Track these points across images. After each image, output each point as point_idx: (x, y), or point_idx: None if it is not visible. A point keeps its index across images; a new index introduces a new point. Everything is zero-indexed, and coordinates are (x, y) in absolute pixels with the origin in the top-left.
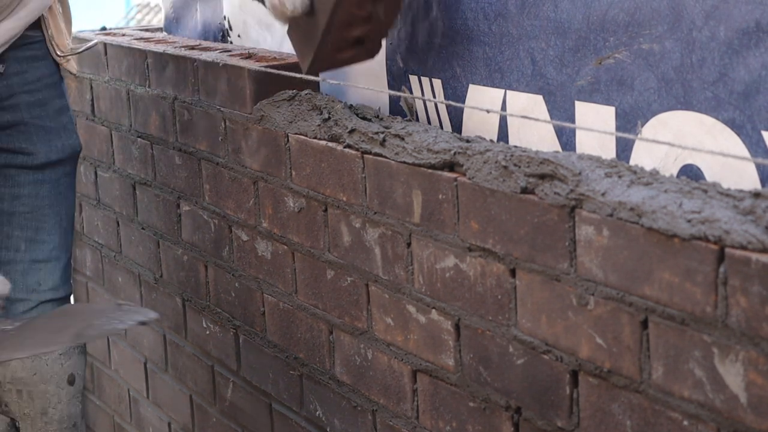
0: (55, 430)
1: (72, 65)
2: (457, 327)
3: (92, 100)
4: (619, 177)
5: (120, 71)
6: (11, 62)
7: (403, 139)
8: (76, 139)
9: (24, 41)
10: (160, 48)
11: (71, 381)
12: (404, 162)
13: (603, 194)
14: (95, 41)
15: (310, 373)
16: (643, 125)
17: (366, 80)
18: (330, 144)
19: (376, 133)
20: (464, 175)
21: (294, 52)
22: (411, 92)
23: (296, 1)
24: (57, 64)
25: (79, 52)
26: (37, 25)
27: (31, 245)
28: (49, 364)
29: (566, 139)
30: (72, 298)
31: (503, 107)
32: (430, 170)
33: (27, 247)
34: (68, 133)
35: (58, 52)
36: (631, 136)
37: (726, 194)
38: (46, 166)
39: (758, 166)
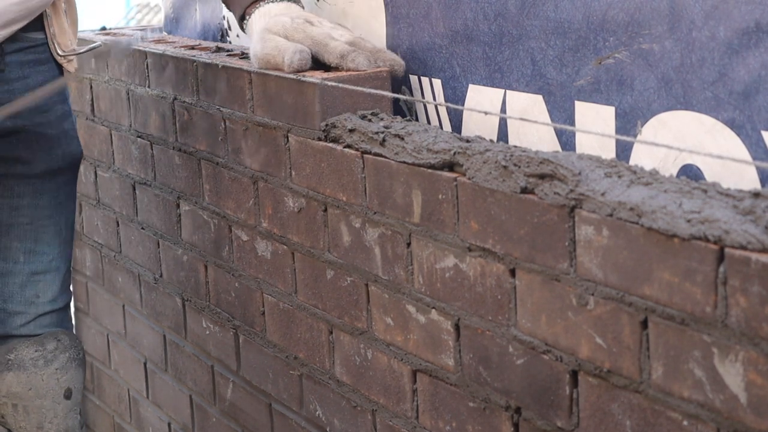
0: None
1: (72, 65)
2: (456, 327)
3: (92, 100)
4: (619, 177)
5: (120, 71)
6: (13, 67)
7: (402, 139)
8: (77, 146)
9: (26, 44)
10: (159, 48)
11: (68, 395)
12: (404, 162)
13: (603, 194)
14: (98, 43)
15: (310, 373)
16: (643, 125)
17: None
18: (330, 144)
19: (376, 132)
20: (464, 175)
21: None
22: (411, 92)
23: (294, 57)
24: (59, 68)
25: (80, 53)
26: (40, 26)
27: (30, 257)
28: (45, 380)
29: (566, 138)
30: (72, 296)
31: (503, 107)
32: (429, 170)
33: (26, 258)
34: (69, 139)
35: (60, 52)
36: (629, 138)
37: (726, 194)
38: (45, 175)
39: (758, 166)
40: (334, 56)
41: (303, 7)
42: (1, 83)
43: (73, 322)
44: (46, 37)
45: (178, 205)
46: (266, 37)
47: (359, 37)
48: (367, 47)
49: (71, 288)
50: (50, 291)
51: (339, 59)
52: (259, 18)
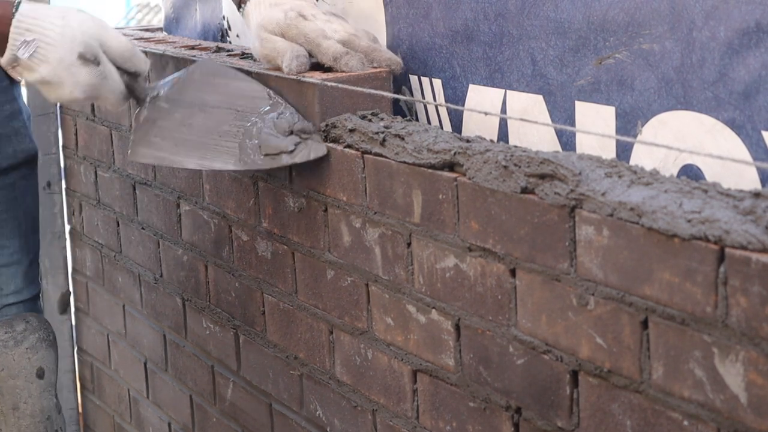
0: (29, 424)
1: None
2: (457, 327)
3: None
4: (619, 177)
5: None
6: None
7: (403, 138)
8: (30, 143)
9: None
10: (160, 48)
11: (40, 375)
12: (404, 162)
13: (603, 194)
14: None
15: (310, 373)
16: (643, 125)
17: None
18: (330, 144)
19: (376, 132)
20: (464, 175)
21: None
22: (411, 92)
23: (292, 63)
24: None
25: None
26: None
27: None
28: (17, 359)
29: (566, 138)
30: (72, 296)
31: (503, 107)
32: (430, 170)
33: None
34: (20, 137)
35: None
36: (629, 139)
37: (726, 194)
38: None
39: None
40: (327, 58)
41: None
42: None
43: (74, 321)
44: None
45: (178, 205)
46: (263, 36)
47: (354, 33)
48: (362, 46)
49: (40, 282)
50: (13, 283)
51: (332, 61)
52: (254, 7)
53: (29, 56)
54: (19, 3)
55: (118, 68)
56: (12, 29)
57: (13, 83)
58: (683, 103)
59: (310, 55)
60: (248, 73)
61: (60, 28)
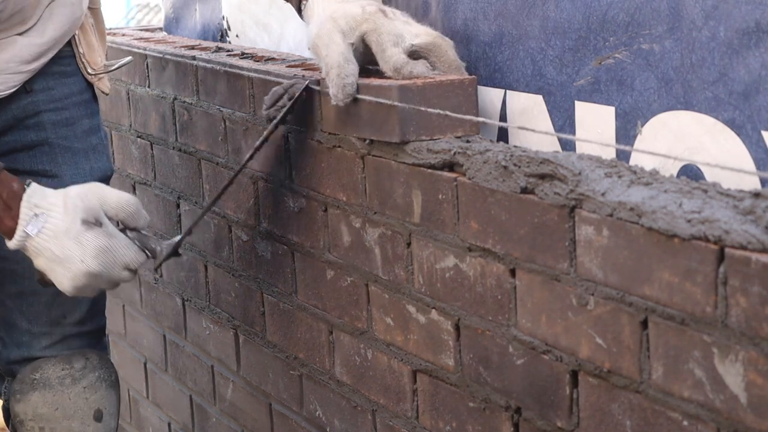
0: None
1: (104, 84)
2: (457, 327)
3: None
4: (619, 177)
5: (120, 71)
6: (37, 77)
7: None
8: (107, 162)
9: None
10: (160, 48)
11: (98, 417)
12: (404, 162)
13: (603, 194)
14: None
15: (310, 373)
16: (643, 125)
17: None
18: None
19: None
20: (464, 175)
21: (291, 52)
22: None
23: (339, 93)
24: (87, 82)
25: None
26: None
27: None
28: (72, 399)
29: (566, 138)
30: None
31: (503, 107)
32: (429, 170)
33: None
34: (97, 155)
35: (89, 70)
36: (627, 148)
37: (726, 194)
38: None
39: (758, 166)
40: (388, 67)
41: None
42: (24, 94)
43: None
44: (73, 50)
45: (178, 205)
46: (327, 29)
47: (439, 36)
48: (449, 57)
49: (105, 316)
50: (77, 312)
51: (392, 72)
52: (321, 1)
53: (38, 232)
54: (30, 182)
55: (123, 228)
56: (23, 204)
57: (95, 99)
58: (683, 103)
59: (372, 63)
60: (248, 71)
61: (62, 203)
